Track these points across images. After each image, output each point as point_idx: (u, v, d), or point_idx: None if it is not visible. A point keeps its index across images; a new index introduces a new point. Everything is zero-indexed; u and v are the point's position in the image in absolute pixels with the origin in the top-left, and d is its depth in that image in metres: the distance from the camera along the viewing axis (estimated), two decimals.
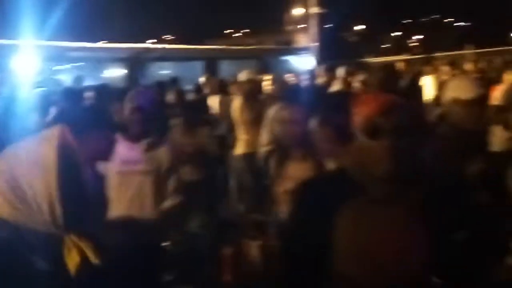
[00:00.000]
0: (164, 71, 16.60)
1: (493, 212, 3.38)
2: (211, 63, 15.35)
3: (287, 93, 7.10)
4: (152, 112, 4.30)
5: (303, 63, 16.92)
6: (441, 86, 8.32)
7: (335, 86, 9.41)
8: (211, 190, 6.53)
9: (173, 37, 47.57)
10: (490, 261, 3.41)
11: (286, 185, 3.50)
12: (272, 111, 6.68)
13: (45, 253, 1.62)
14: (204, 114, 7.42)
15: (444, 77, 8.61)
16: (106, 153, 4.13)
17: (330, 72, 10.91)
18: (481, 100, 3.51)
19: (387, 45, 56.16)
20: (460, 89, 3.54)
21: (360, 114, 2.41)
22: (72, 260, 1.60)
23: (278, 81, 7.43)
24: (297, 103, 4.31)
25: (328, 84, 9.78)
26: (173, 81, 10.68)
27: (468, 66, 8.66)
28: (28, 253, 1.61)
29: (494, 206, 3.36)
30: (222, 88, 9.54)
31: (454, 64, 9.42)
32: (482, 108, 3.53)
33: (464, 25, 64.30)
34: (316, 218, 2.02)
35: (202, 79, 10.96)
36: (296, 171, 3.57)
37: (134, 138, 4.21)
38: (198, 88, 10.11)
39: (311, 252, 2.14)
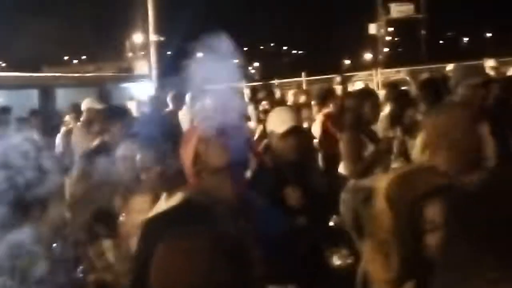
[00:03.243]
0: None
1: (310, 234, 3.64)
2: (47, 91, 14.80)
3: None
4: None
5: (143, 90, 16.85)
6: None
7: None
8: None
9: (4, 64, 45.13)
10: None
11: (133, 219, 3.38)
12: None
13: None
14: None
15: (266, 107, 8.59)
16: None
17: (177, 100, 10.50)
18: (295, 132, 3.50)
19: None
20: (275, 122, 3.62)
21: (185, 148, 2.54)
22: None
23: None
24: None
25: (175, 112, 9.28)
26: (5, 111, 9.79)
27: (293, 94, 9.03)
28: None
29: (311, 228, 3.62)
30: None
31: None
32: (297, 139, 3.50)
33: (299, 53, 67.35)
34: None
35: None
36: (141, 205, 3.41)
37: None
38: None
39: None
